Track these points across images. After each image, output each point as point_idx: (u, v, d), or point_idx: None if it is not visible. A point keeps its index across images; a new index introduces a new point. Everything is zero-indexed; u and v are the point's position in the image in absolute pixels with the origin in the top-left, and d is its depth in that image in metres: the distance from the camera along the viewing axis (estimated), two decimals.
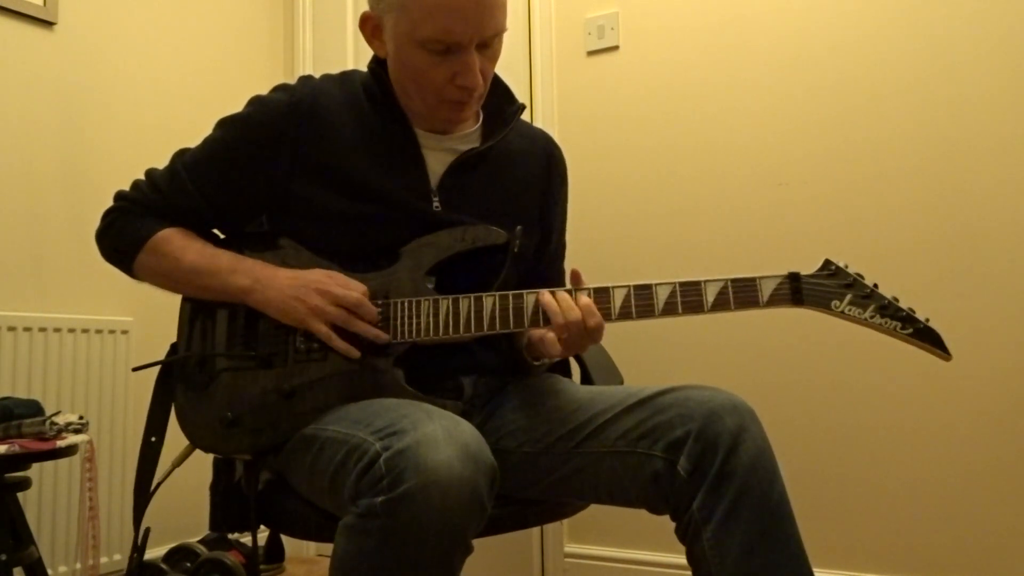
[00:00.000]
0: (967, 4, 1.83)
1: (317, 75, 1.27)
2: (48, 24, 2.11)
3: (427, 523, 0.85)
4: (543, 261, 1.34)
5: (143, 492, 1.19)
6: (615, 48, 2.24)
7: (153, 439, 1.20)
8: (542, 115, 2.30)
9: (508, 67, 2.35)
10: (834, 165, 1.95)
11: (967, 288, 1.80)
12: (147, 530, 1.21)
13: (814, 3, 2.00)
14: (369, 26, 1.17)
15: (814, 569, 0.98)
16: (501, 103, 1.26)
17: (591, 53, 2.27)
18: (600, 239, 2.21)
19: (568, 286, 1.11)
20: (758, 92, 2.05)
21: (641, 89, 2.20)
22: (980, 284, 1.79)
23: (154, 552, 2.02)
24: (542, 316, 1.08)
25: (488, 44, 1.12)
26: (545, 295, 1.08)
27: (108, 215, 1.23)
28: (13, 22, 2.04)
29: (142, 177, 1.24)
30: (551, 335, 1.13)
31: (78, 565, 1.95)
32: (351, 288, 1.11)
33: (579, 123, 2.28)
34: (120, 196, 1.24)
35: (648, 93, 2.19)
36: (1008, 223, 1.77)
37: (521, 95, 2.32)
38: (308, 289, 1.10)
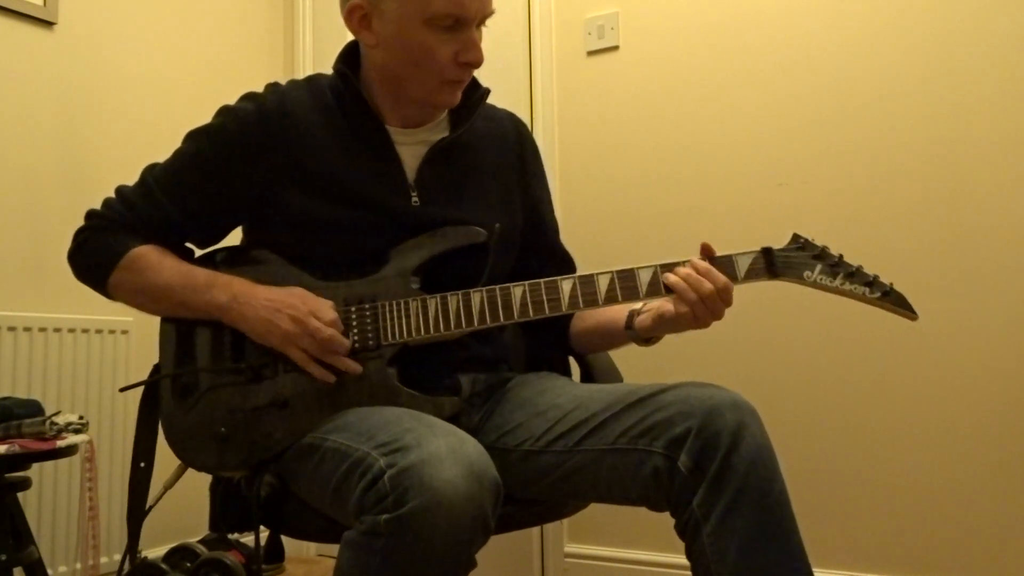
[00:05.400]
0: (967, 4, 1.83)
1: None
2: (48, 24, 2.11)
3: (432, 542, 0.85)
4: (540, 235, 1.36)
5: (136, 517, 1.18)
6: (615, 48, 2.24)
7: (142, 464, 1.19)
8: (542, 115, 2.30)
9: (508, 67, 2.36)
10: (834, 165, 1.95)
11: (967, 287, 1.80)
12: (144, 558, 1.20)
13: (814, 3, 2.00)
14: (357, 16, 1.16)
15: (814, 569, 0.98)
16: (466, 90, 1.26)
17: (591, 53, 2.27)
18: (599, 238, 2.21)
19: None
20: (758, 92, 2.05)
21: (641, 89, 2.20)
22: (980, 284, 1.79)
23: (154, 552, 2.02)
24: (662, 289, 1.10)
25: (482, 23, 1.16)
26: (671, 277, 1.09)
27: (80, 234, 1.22)
28: (13, 22, 2.04)
29: (112, 195, 1.23)
30: (676, 313, 1.10)
31: (78, 565, 1.95)
32: (324, 317, 1.10)
33: (579, 123, 2.28)
34: (91, 215, 1.22)
35: (648, 93, 2.19)
36: (1008, 223, 1.77)
37: (521, 95, 2.33)
38: (283, 314, 1.10)
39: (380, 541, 0.87)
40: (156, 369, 1.20)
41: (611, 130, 2.23)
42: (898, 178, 1.88)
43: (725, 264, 1.11)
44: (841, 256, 1.09)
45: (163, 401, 1.15)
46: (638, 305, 1.19)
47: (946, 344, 1.80)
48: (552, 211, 1.41)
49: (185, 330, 1.17)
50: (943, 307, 1.81)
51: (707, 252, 1.12)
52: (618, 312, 1.23)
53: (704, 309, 1.08)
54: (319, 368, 1.10)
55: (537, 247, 1.35)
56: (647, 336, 1.21)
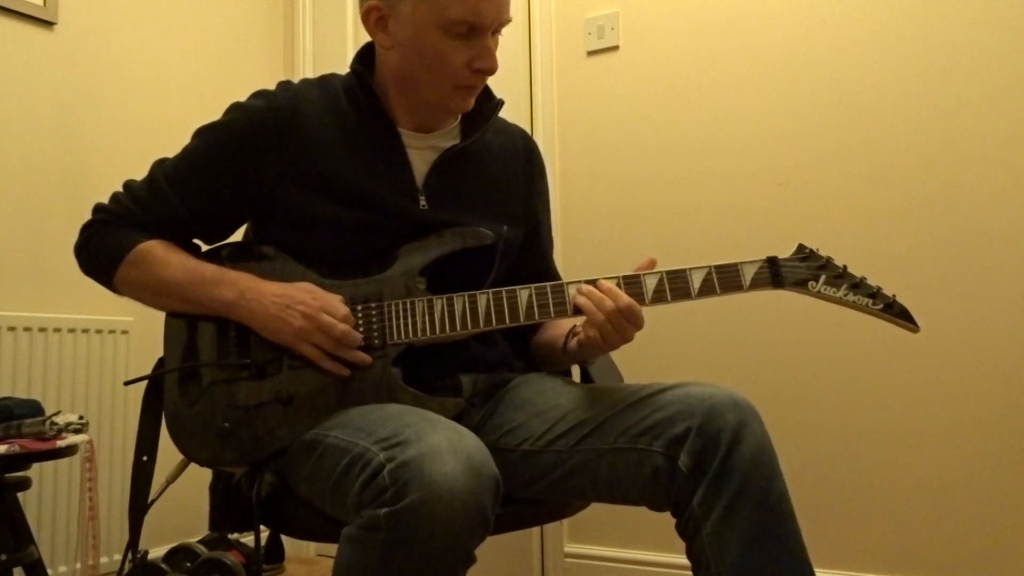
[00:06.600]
0: (967, 4, 1.84)
1: (314, 76, 1.27)
2: (48, 24, 2.11)
3: (430, 537, 0.86)
4: (535, 256, 1.35)
5: (138, 511, 1.18)
6: (615, 48, 2.24)
7: (145, 458, 1.19)
8: (542, 115, 2.30)
9: (508, 67, 2.35)
10: (834, 165, 1.95)
11: (967, 288, 1.80)
12: (145, 552, 1.20)
13: (814, 3, 2.00)
14: (374, 17, 1.16)
15: (814, 569, 0.98)
16: (480, 99, 1.26)
17: (591, 53, 2.27)
18: (599, 239, 2.22)
19: (562, 280, 1.13)
20: (757, 92, 2.05)
21: (641, 89, 2.20)
22: (980, 284, 1.79)
23: (154, 552, 2.02)
24: (572, 310, 1.10)
25: (498, 31, 1.15)
26: (579, 298, 1.09)
27: (87, 228, 1.22)
28: (13, 22, 2.04)
29: (120, 189, 1.23)
30: (586, 336, 1.12)
31: (78, 565, 1.95)
32: (336, 312, 1.10)
33: (579, 123, 2.28)
34: (99, 208, 1.22)
35: (648, 93, 2.19)
36: (1008, 223, 1.77)
37: (521, 95, 2.33)
38: (294, 310, 1.10)
39: (379, 535, 0.87)
40: (160, 363, 1.20)
41: (611, 130, 2.23)
42: (898, 178, 1.88)
43: (730, 273, 1.10)
44: (845, 267, 1.10)
45: (167, 395, 1.15)
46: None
47: (946, 344, 1.81)
48: (550, 233, 1.41)
49: (190, 325, 1.17)
50: (942, 307, 1.81)
51: (648, 267, 1.12)
52: (562, 331, 1.23)
53: (611, 329, 1.07)
54: (333, 363, 1.10)
55: (531, 266, 1.34)
56: (579, 361, 1.22)
